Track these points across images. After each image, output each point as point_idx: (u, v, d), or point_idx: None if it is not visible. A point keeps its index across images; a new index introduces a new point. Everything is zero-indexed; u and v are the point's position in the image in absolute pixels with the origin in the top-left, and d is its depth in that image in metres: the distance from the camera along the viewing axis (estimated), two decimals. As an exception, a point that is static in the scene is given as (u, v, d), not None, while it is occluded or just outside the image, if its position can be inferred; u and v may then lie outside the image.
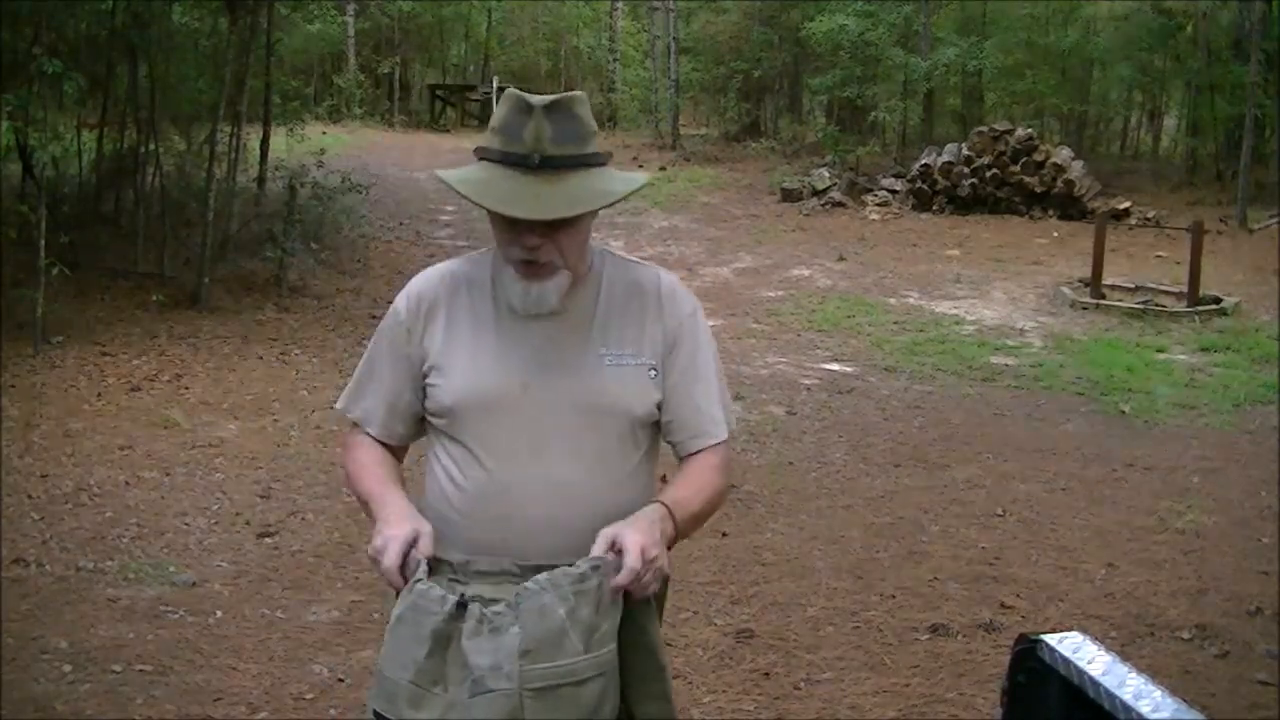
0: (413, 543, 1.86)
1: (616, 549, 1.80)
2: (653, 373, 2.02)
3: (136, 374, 7.63)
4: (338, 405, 2.16)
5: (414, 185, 15.86)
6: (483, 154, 1.97)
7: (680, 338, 2.04)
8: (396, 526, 1.88)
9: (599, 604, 1.77)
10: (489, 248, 2.10)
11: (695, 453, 2.06)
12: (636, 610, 1.86)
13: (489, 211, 1.95)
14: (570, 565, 1.79)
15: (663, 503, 1.92)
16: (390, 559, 1.83)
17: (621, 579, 1.77)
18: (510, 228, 1.93)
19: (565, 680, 1.74)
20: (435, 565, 1.85)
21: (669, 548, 1.88)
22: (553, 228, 1.91)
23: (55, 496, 5.48)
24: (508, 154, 1.91)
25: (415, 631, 1.76)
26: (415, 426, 2.12)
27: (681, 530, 1.94)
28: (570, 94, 1.99)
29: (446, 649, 1.74)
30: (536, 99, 1.93)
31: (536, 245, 1.92)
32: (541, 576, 1.77)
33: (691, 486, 2.01)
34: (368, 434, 2.12)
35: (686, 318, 2.06)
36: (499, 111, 1.97)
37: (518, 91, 1.97)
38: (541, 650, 1.73)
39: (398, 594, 1.83)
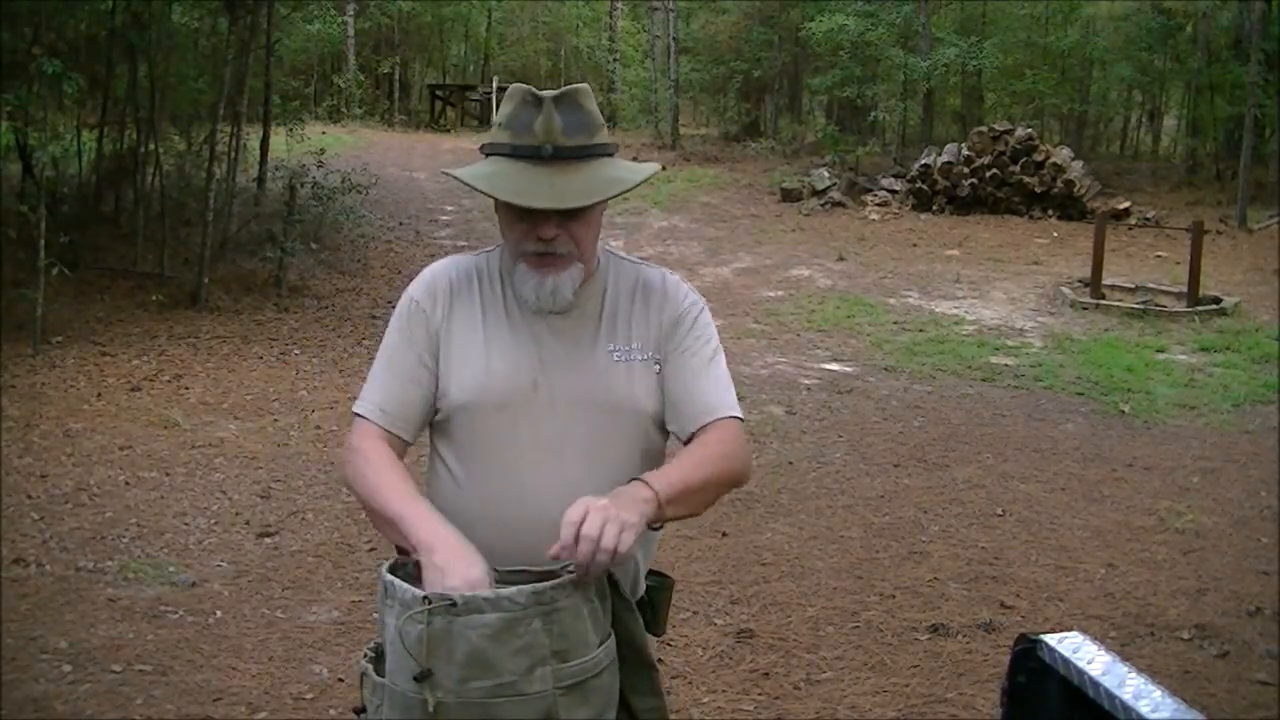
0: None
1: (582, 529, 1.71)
2: (657, 367, 1.99)
3: (136, 374, 7.63)
4: (354, 407, 2.01)
5: (414, 185, 15.87)
6: (491, 149, 1.94)
7: (678, 325, 2.01)
8: (467, 567, 1.74)
9: (601, 596, 1.80)
10: (497, 244, 2.07)
11: (698, 430, 1.95)
12: (616, 607, 1.85)
13: (500, 207, 1.93)
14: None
15: (643, 480, 1.80)
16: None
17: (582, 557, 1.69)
18: (524, 221, 1.91)
19: (589, 674, 1.76)
20: None
21: (658, 526, 1.80)
22: (567, 218, 1.90)
23: (55, 496, 5.48)
24: (519, 147, 1.89)
25: (407, 642, 1.75)
26: (424, 420, 2.01)
27: (671, 505, 1.81)
28: (576, 86, 1.97)
29: (444, 643, 1.73)
30: (545, 92, 1.92)
31: (553, 236, 1.90)
32: (566, 578, 1.76)
33: (685, 459, 1.90)
34: (376, 429, 1.97)
35: (688, 307, 2.03)
36: (506, 107, 1.94)
37: (524, 86, 1.95)
38: (573, 649, 1.74)
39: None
